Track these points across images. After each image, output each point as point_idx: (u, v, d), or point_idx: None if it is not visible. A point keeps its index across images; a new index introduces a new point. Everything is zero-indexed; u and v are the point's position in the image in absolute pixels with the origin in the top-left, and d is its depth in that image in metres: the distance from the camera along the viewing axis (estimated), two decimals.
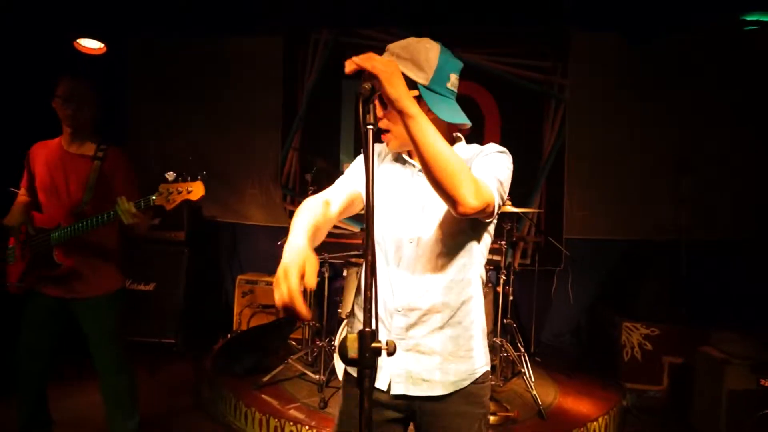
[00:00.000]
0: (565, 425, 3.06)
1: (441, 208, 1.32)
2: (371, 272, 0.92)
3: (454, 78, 1.33)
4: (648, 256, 4.45)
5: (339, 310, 3.56)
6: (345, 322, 3.25)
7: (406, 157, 1.44)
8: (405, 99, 1.09)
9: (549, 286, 4.73)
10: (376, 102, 1.22)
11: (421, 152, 1.11)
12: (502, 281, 3.64)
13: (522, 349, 3.59)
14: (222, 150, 5.15)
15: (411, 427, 1.46)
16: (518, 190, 4.08)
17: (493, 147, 1.40)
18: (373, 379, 0.92)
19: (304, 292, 3.85)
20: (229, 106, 5.14)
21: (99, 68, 4.17)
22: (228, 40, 5.05)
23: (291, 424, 2.94)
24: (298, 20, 4.85)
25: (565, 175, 4.77)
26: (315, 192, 3.30)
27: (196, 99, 5.15)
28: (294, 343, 3.99)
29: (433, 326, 1.35)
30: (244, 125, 5.13)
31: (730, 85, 4.40)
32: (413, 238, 1.36)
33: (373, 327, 0.91)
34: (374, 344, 0.91)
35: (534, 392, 3.21)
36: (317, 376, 3.27)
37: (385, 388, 1.36)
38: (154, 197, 2.12)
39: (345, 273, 3.60)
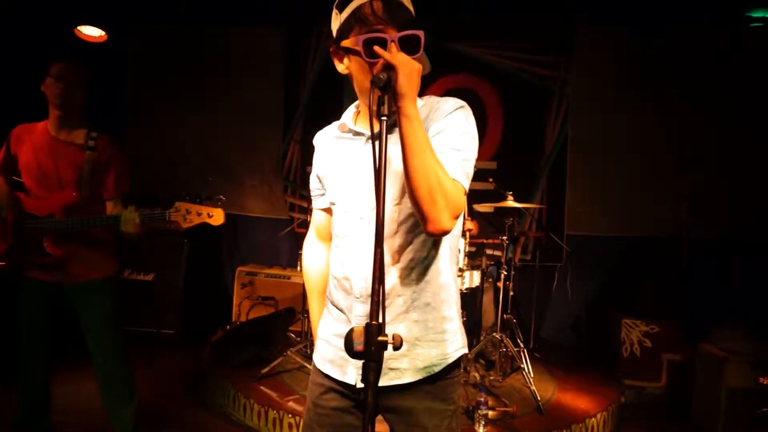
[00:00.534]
0: (564, 421, 3.05)
1: (395, 180, 1.21)
2: (380, 265, 0.91)
3: None
4: (648, 253, 4.44)
5: None
6: None
7: (356, 128, 1.32)
8: (411, 98, 1.08)
9: (549, 282, 4.72)
10: (339, 51, 1.26)
11: (407, 157, 1.08)
12: (502, 276, 3.63)
13: (521, 345, 3.59)
14: (223, 141, 5.13)
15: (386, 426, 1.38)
16: (520, 185, 4.08)
17: (452, 103, 1.24)
18: (378, 372, 0.91)
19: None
20: (230, 97, 5.12)
21: (99, 56, 4.15)
22: (229, 31, 5.01)
23: (290, 416, 2.94)
24: (300, 11, 4.81)
25: (567, 170, 4.76)
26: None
27: (197, 89, 5.12)
28: (293, 335, 3.99)
29: (397, 311, 1.25)
30: (245, 116, 5.10)
31: (733, 83, 4.37)
32: (363, 216, 1.27)
33: (380, 320, 0.90)
34: (380, 337, 0.89)
35: (533, 388, 3.20)
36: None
37: (353, 382, 1.28)
38: (169, 213, 2.12)
39: None
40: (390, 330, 1.20)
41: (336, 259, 1.35)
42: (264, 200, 5.17)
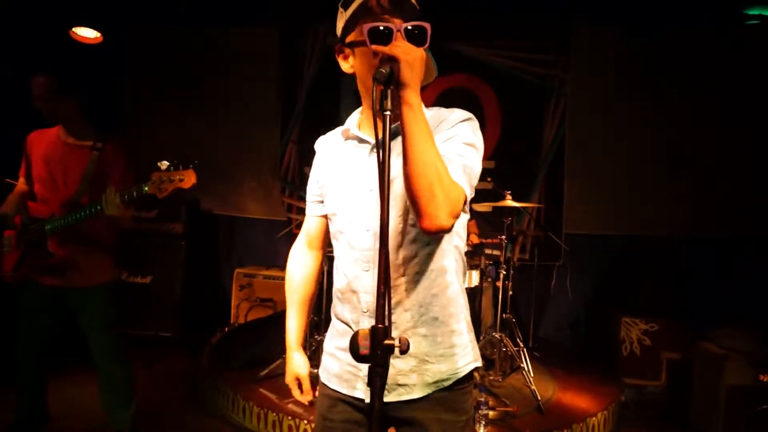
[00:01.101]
0: (564, 420, 3.05)
1: (400, 191, 1.17)
2: (385, 269, 0.90)
3: None
4: (647, 251, 4.45)
5: None
6: None
7: (360, 134, 1.29)
8: (414, 89, 1.05)
9: (548, 281, 4.72)
10: (345, 48, 1.23)
11: (407, 147, 1.04)
12: (501, 276, 3.62)
13: (521, 344, 3.58)
14: (220, 142, 5.10)
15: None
16: (518, 184, 4.07)
17: (459, 114, 1.23)
18: (385, 377, 0.89)
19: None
20: (227, 98, 5.09)
21: (95, 57, 4.12)
22: (226, 31, 4.99)
23: (289, 418, 2.92)
24: (296, 11, 4.80)
25: (564, 169, 4.76)
26: None
27: (195, 90, 5.09)
28: None
29: (404, 326, 1.22)
30: (242, 117, 5.08)
31: (731, 82, 4.38)
32: (370, 228, 1.23)
33: (386, 323, 0.88)
34: (386, 341, 0.88)
35: (533, 387, 3.20)
36: (316, 370, 3.24)
37: (363, 396, 1.26)
38: (146, 187, 2.12)
39: None
40: (402, 336, 1.20)
41: (339, 271, 1.32)
42: (262, 201, 5.15)
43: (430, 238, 1.22)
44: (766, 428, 3.03)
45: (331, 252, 1.39)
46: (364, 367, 1.03)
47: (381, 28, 1.12)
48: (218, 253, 5.22)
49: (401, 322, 1.23)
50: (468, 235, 3.27)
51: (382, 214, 0.92)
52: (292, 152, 5.07)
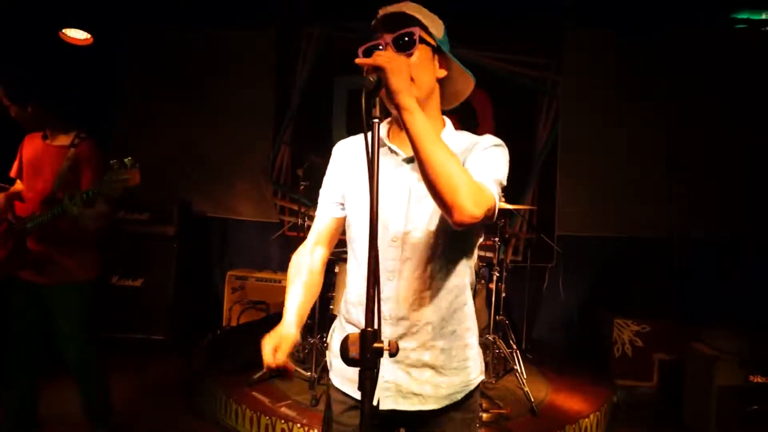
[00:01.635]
0: (558, 422, 3.06)
1: (429, 203, 1.18)
2: (374, 271, 0.89)
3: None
4: (639, 253, 4.47)
5: (331, 306, 3.53)
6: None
7: (390, 144, 1.29)
8: (406, 92, 1.07)
9: (540, 283, 4.73)
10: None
11: (418, 148, 1.06)
12: (494, 278, 3.62)
13: (514, 346, 3.59)
14: (212, 143, 5.08)
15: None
16: (510, 186, 4.07)
17: (490, 140, 1.28)
18: (375, 380, 0.89)
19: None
20: (220, 99, 5.07)
21: (87, 58, 4.10)
22: (220, 33, 4.97)
23: (282, 421, 2.90)
24: (291, 13, 4.79)
25: (557, 171, 4.78)
26: (306, 188, 3.27)
27: (187, 91, 5.06)
28: None
29: (424, 338, 1.25)
30: (235, 119, 5.06)
31: (722, 84, 4.42)
32: (397, 239, 1.24)
33: (375, 327, 0.88)
34: (376, 344, 0.88)
35: (526, 389, 3.20)
36: (308, 373, 3.24)
37: (375, 403, 1.25)
38: (100, 188, 2.21)
39: (337, 269, 3.57)
40: (415, 356, 1.24)
41: (358, 278, 1.33)
42: (254, 203, 5.13)
43: (456, 253, 1.26)
44: (757, 429, 3.06)
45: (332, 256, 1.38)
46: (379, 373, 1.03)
47: (370, 46, 1.20)
48: (210, 256, 5.19)
49: (423, 333, 1.26)
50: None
51: (371, 218, 0.93)
52: (285, 154, 5.05)
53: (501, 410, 3.03)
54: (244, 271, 4.72)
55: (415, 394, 1.26)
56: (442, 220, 1.21)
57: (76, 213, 2.22)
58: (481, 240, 1.37)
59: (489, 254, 3.94)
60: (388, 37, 1.19)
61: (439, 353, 1.26)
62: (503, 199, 3.58)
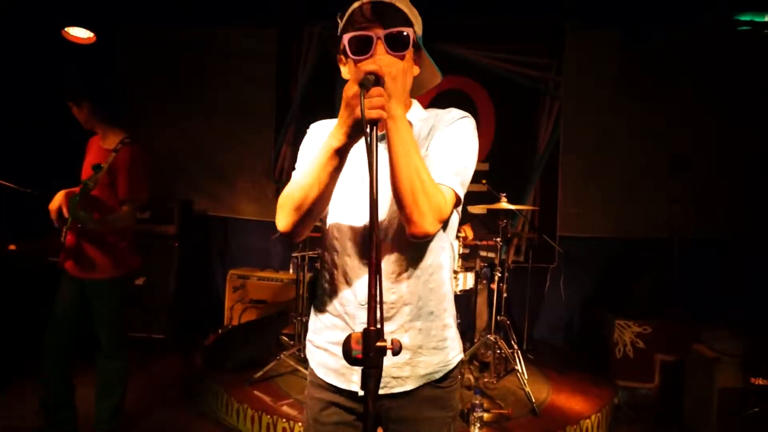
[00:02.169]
0: (559, 422, 3.06)
1: None
2: (376, 270, 0.89)
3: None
4: (641, 254, 4.46)
5: None
6: None
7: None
8: (398, 100, 1.09)
9: (542, 284, 4.73)
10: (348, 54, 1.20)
11: (392, 158, 1.10)
12: (496, 278, 3.62)
13: (515, 346, 3.59)
14: (214, 143, 5.09)
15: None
16: (513, 186, 4.08)
17: (454, 114, 1.28)
18: (378, 379, 0.89)
19: (298, 284, 3.82)
20: (221, 98, 5.08)
21: (88, 56, 4.10)
22: (221, 32, 4.98)
23: (284, 420, 2.91)
24: (292, 13, 4.79)
25: (559, 172, 4.77)
26: None
27: (188, 90, 5.07)
28: (286, 338, 3.96)
29: (402, 320, 1.26)
30: (236, 118, 5.06)
31: (725, 85, 4.41)
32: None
33: (378, 325, 0.88)
34: (379, 343, 0.88)
35: (527, 389, 3.20)
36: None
37: (358, 389, 1.26)
38: (89, 185, 2.41)
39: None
40: (394, 339, 1.20)
41: (333, 263, 1.32)
42: (255, 202, 5.13)
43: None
44: (758, 431, 3.05)
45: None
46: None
47: (360, 37, 1.17)
48: (211, 255, 5.20)
49: (401, 315, 1.26)
50: (459, 229, 3.26)
51: (371, 220, 0.93)
52: (287, 153, 5.05)
53: (502, 410, 3.03)
54: (245, 269, 4.72)
55: (394, 378, 1.26)
56: None
57: (74, 215, 2.34)
58: (459, 217, 1.34)
59: (491, 254, 3.94)
60: (380, 32, 1.17)
61: (417, 334, 1.27)
62: (504, 198, 3.58)
